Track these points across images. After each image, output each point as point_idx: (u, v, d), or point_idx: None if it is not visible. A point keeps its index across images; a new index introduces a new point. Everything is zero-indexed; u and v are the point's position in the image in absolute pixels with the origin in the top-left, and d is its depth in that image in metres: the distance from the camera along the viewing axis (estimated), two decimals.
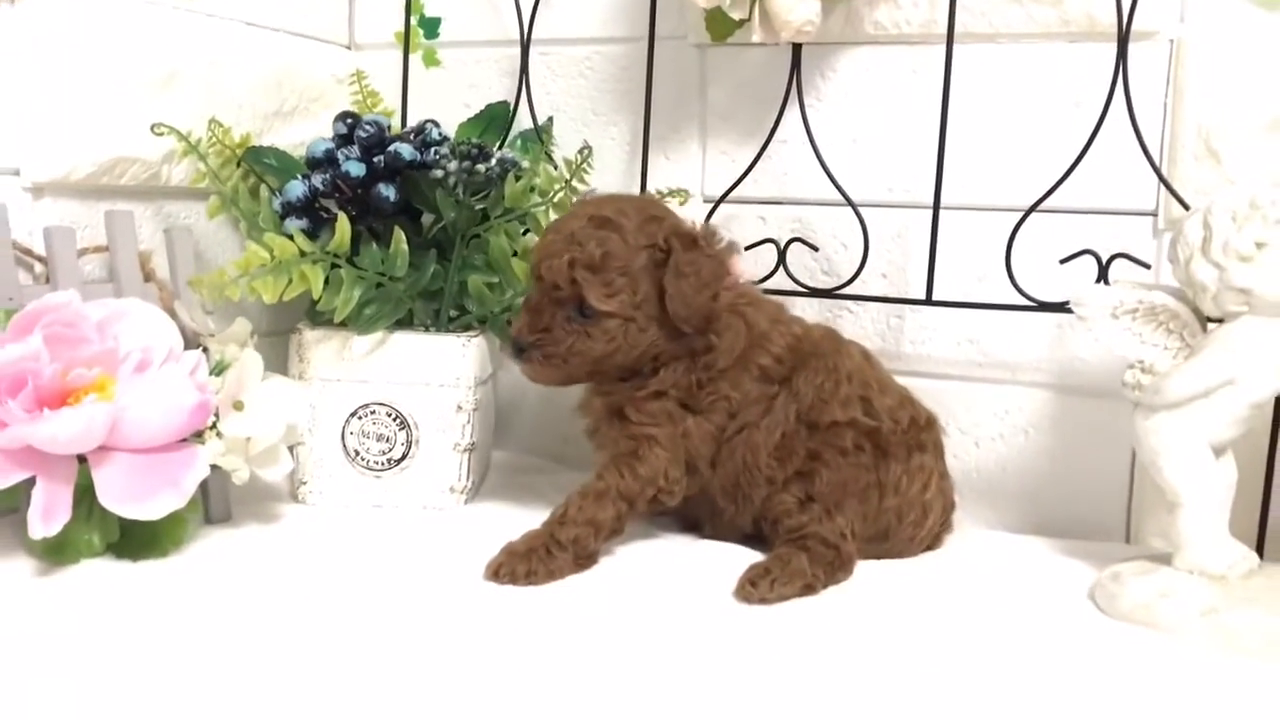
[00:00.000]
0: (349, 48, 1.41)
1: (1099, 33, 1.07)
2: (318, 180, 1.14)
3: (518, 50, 1.30)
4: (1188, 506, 0.92)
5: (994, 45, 1.12)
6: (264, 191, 1.16)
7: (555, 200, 1.15)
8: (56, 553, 0.95)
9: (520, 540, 0.99)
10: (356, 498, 1.15)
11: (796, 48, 1.14)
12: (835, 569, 0.97)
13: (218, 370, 1.03)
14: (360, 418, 1.14)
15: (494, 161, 1.12)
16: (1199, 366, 0.90)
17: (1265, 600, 0.89)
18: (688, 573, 0.99)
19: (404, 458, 1.15)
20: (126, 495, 0.93)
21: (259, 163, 1.18)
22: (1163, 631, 0.88)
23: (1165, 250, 1.05)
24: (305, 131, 1.30)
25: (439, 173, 1.10)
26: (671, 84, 1.24)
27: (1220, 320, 0.91)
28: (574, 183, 1.14)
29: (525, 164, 1.15)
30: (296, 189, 1.13)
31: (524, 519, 1.06)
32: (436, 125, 1.18)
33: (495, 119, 1.24)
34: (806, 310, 1.19)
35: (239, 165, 1.17)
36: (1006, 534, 1.13)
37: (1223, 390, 0.90)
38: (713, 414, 1.03)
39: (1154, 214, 1.09)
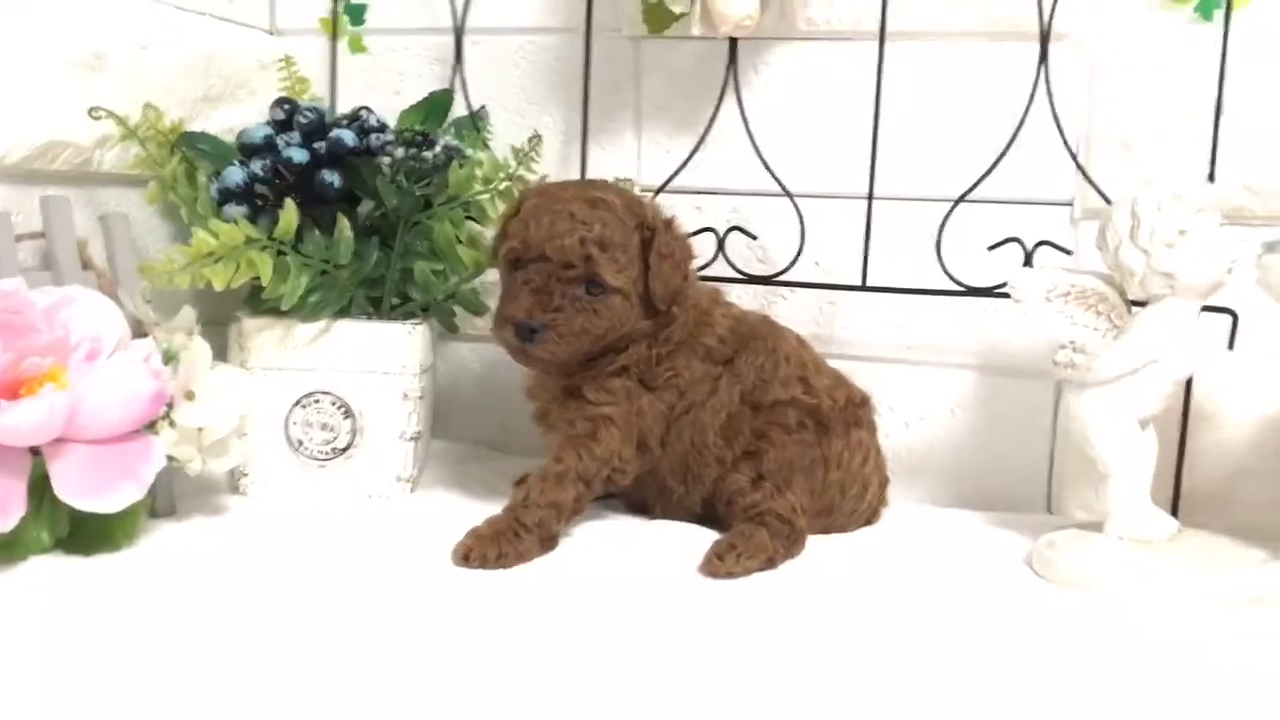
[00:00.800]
0: (270, 33, 1.38)
1: (1020, 33, 1.14)
2: (257, 166, 1.12)
3: (446, 38, 1.30)
4: (1117, 477, 0.99)
5: (921, 43, 1.18)
6: (201, 177, 1.14)
7: (500, 188, 1.16)
8: (6, 549, 0.91)
9: (485, 525, 1.00)
10: (300, 488, 1.14)
11: (733, 41, 1.17)
12: (792, 543, 1.02)
13: (167, 359, 1.01)
14: (304, 407, 1.13)
15: (439, 148, 1.12)
16: (1128, 346, 0.97)
17: (1188, 561, 0.96)
18: (648, 551, 1.02)
19: (349, 447, 1.14)
20: (84, 488, 0.90)
21: (193, 148, 1.16)
22: (1099, 593, 0.95)
23: (1082, 238, 1.13)
24: (232, 117, 1.27)
25: (386, 159, 1.09)
26: (606, 75, 1.26)
27: (1144, 303, 0.98)
28: (521, 171, 1.15)
29: (469, 152, 1.16)
30: (235, 175, 1.11)
31: (473, 507, 1.09)
32: (371, 112, 1.18)
33: (437, 107, 1.24)
34: (742, 297, 1.24)
35: (173, 151, 1.15)
36: (936, 508, 1.19)
37: (1148, 368, 0.97)
38: (665, 392, 1.06)
39: (1070, 204, 1.16)
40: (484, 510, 1.03)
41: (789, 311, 1.24)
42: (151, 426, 0.97)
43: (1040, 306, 1.01)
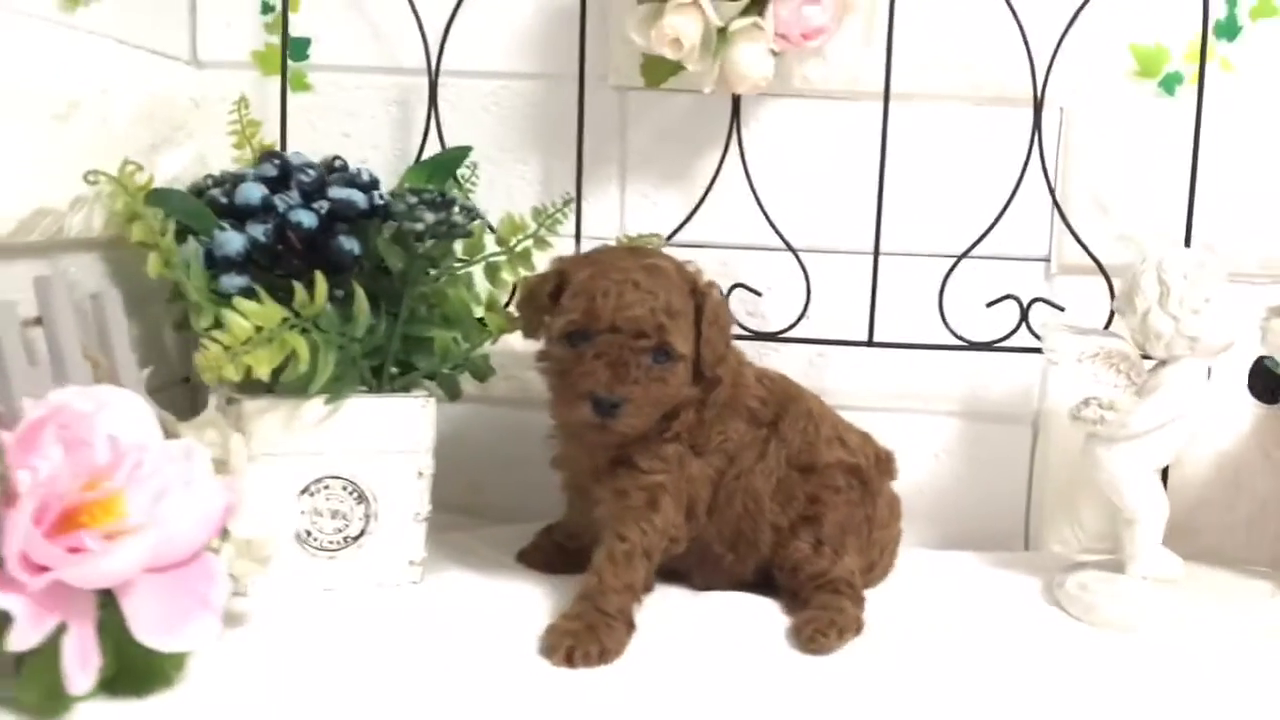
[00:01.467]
0: (191, 64, 1.23)
1: (1006, 99, 1.20)
2: (256, 231, 1.00)
3: (404, 78, 1.22)
4: (1143, 523, 1.07)
5: (909, 104, 1.21)
6: (191, 243, 1.00)
7: (518, 250, 1.10)
8: (51, 701, 0.77)
9: (569, 619, 0.95)
10: (305, 582, 1.03)
11: (736, 98, 1.17)
12: (861, 608, 1.03)
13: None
14: (312, 494, 1.03)
15: (457, 210, 1.04)
16: (1158, 404, 1.05)
17: (1209, 595, 1.06)
18: (723, 626, 1.01)
19: (361, 534, 1.05)
20: (161, 625, 0.78)
21: (166, 207, 1.02)
22: (1142, 635, 1.02)
23: (1058, 292, 1.21)
24: (174, 165, 1.13)
25: (418, 226, 1.00)
26: (588, 125, 1.21)
27: (1160, 360, 1.07)
28: (542, 233, 1.10)
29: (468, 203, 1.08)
30: (234, 242, 0.99)
31: (492, 588, 1.07)
32: (344, 161, 1.08)
33: (445, 165, 1.14)
34: None
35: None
36: (926, 550, 1.24)
37: (1174, 423, 1.06)
38: (714, 456, 1.05)
39: (1047, 259, 1.24)
40: (506, 590, 1.02)
41: (780, 362, 1.24)
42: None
43: (1073, 367, 1.08)
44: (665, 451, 1.02)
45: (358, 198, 1.02)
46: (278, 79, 1.20)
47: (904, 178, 1.22)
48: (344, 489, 1.04)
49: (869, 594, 1.08)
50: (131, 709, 0.80)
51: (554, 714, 0.83)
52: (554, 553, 1.14)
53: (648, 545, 1.00)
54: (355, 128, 1.25)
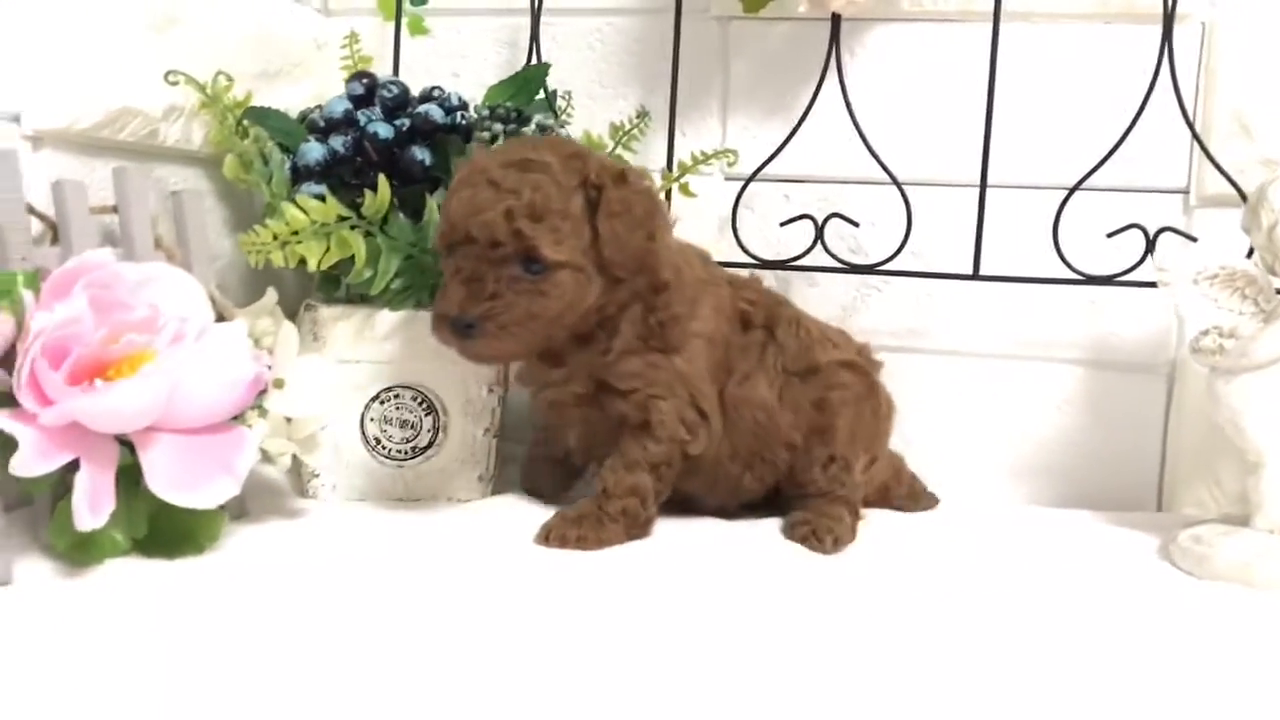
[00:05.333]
0: (321, 12, 1.30)
1: (1135, 14, 1.10)
2: (337, 143, 1.04)
3: (513, 19, 1.24)
4: (1270, 467, 0.94)
5: (1030, 25, 1.13)
6: (276, 154, 1.05)
7: None
8: (82, 551, 0.82)
9: (572, 508, 0.96)
10: (375, 490, 1.05)
11: (836, 20, 1.12)
12: (859, 517, 1.02)
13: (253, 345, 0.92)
14: (382, 402, 1.05)
15: (533, 126, 1.05)
16: None
17: None
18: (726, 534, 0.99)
19: (430, 445, 1.06)
20: (177, 481, 0.81)
21: (262, 123, 1.07)
22: (1258, 589, 0.90)
23: (1197, 226, 1.10)
24: (288, 97, 1.19)
25: (484, 135, 1.02)
26: (691, 57, 1.20)
27: None
28: (620, 150, 1.09)
29: (559, 129, 1.09)
30: (315, 151, 1.03)
31: (553, 510, 1.01)
32: (444, 90, 1.11)
33: (529, 82, 1.15)
34: (834, 290, 1.19)
35: (238, 126, 1.06)
36: (1039, 507, 1.14)
37: None
38: (693, 351, 0.97)
39: (1185, 191, 1.12)
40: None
41: (884, 304, 1.19)
42: (239, 418, 0.88)
43: (1187, 289, 0.96)
44: (630, 367, 0.96)
45: (435, 112, 1.05)
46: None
47: (1024, 104, 1.14)
48: (414, 399, 1.05)
49: (942, 537, 1.03)
50: (161, 568, 0.83)
51: (529, 607, 0.81)
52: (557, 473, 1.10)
53: (652, 458, 0.97)
54: (465, 68, 1.28)
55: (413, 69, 1.26)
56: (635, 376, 0.96)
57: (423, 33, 1.28)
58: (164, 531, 0.85)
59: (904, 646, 0.75)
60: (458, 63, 1.29)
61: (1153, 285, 1.02)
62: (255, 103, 1.12)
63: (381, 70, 1.23)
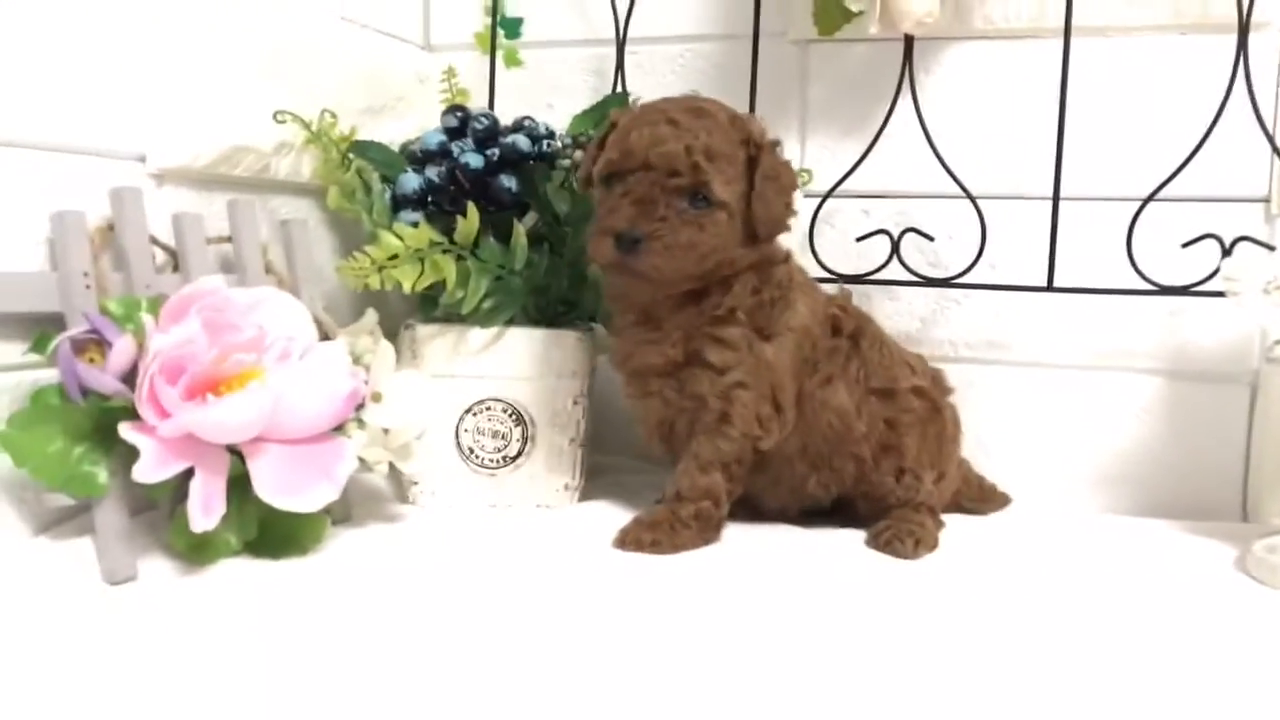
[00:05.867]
0: (424, 48, 1.39)
1: (1211, 24, 1.10)
2: (432, 173, 1.11)
3: (602, 49, 1.30)
4: None
5: (1104, 39, 1.15)
6: (377, 184, 1.13)
7: None
8: (199, 551, 0.90)
9: (647, 514, 1.01)
10: (469, 497, 1.12)
11: (909, 40, 1.15)
12: (939, 526, 1.05)
13: (354, 361, 1.00)
14: (475, 414, 1.11)
15: None
16: None
17: None
18: (803, 542, 1.02)
19: (519, 454, 1.12)
20: (283, 487, 0.89)
21: (364, 156, 1.15)
22: None
23: (1279, 234, 1.09)
24: (392, 130, 1.27)
25: (565, 163, 1.08)
26: (770, 80, 1.24)
27: None
28: None
29: None
30: (411, 181, 1.11)
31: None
32: (535, 121, 1.17)
33: (606, 110, 1.22)
34: (914, 302, 1.21)
35: (344, 159, 1.15)
36: (1124, 517, 1.15)
37: None
38: (785, 341, 1.01)
39: (1266, 199, 1.12)
40: None
41: (963, 317, 1.21)
42: (340, 429, 0.96)
43: (1257, 299, 0.97)
44: (730, 335, 1.00)
45: (522, 142, 1.11)
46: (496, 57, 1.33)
47: (1100, 116, 1.15)
48: (504, 411, 1.11)
49: (1020, 544, 1.04)
50: (268, 567, 0.91)
51: (609, 614, 0.86)
52: None
53: (725, 455, 1.01)
54: (558, 99, 1.35)
55: (510, 99, 1.33)
56: (729, 349, 1.00)
57: (517, 64, 1.35)
58: (272, 534, 0.94)
59: (970, 651, 0.77)
60: (551, 93, 1.36)
61: (1224, 295, 1.03)
62: (360, 136, 1.21)
63: (481, 102, 1.31)
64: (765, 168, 0.97)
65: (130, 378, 0.85)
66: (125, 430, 0.83)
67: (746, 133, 0.98)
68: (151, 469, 0.83)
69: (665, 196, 0.94)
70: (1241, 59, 1.05)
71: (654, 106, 0.98)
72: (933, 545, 1.01)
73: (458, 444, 1.12)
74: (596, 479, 1.23)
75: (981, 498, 1.16)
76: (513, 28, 1.35)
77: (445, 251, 1.05)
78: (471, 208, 1.06)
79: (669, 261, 0.94)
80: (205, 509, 0.85)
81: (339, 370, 0.94)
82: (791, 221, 1.02)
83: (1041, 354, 1.19)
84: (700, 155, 0.94)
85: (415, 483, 1.12)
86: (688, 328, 1.01)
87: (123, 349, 0.85)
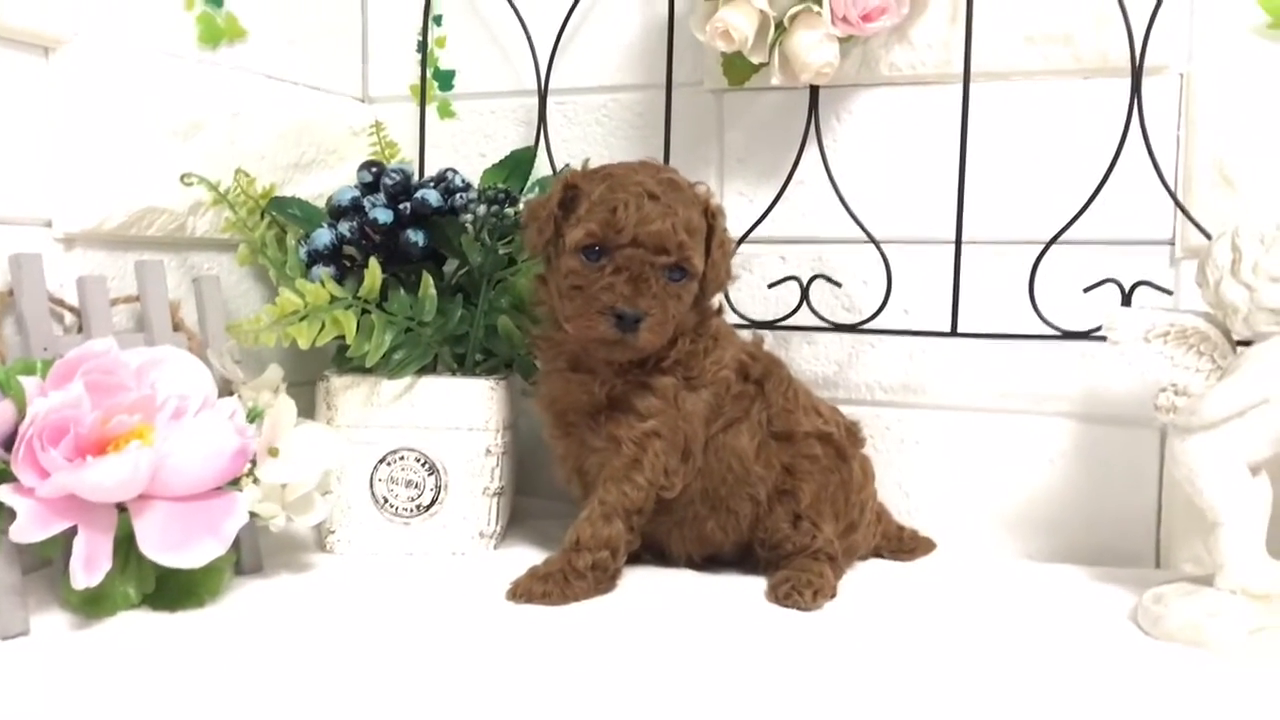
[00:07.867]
0: (363, 100, 1.42)
1: (1111, 69, 1.10)
2: (344, 228, 1.14)
3: (532, 100, 1.32)
4: (1227, 526, 0.93)
5: (1007, 84, 1.15)
6: (290, 240, 1.16)
7: None
8: (93, 605, 0.93)
9: (542, 565, 1.03)
10: (385, 545, 1.14)
11: (814, 90, 1.16)
12: (839, 574, 1.05)
13: (252, 417, 1.03)
14: (389, 464, 1.14)
15: (521, 205, 1.13)
16: (1233, 387, 0.91)
17: None
18: (701, 591, 1.03)
19: (433, 503, 1.14)
20: (167, 544, 0.92)
21: (283, 212, 1.19)
22: (1210, 651, 0.89)
23: (1184, 278, 1.08)
24: (323, 183, 1.30)
25: (468, 217, 1.11)
26: (688, 128, 1.26)
27: (1249, 342, 0.93)
28: None
29: None
30: (323, 237, 1.14)
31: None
32: (456, 173, 1.19)
33: (519, 164, 1.25)
34: (829, 347, 1.22)
35: (263, 215, 1.18)
36: (1033, 562, 1.14)
37: (1257, 409, 0.91)
38: (707, 392, 1.04)
39: (1171, 243, 1.11)
40: None
41: (878, 360, 1.21)
42: (235, 483, 0.99)
43: (1138, 347, 0.96)
44: (662, 384, 1.02)
45: (431, 197, 1.14)
46: (430, 108, 1.36)
47: (1004, 161, 1.15)
48: (417, 460, 1.14)
49: (910, 589, 1.05)
50: (165, 620, 0.94)
51: (501, 654, 0.87)
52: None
53: (629, 503, 1.02)
54: (490, 148, 1.37)
55: (443, 150, 1.37)
56: (656, 397, 1.02)
57: (450, 116, 1.38)
58: (169, 586, 0.96)
59: (853, 701, 0.78)
60: (484, 143, 1.38)
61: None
62: (290, 190, 1.24)
63: (413, 153, 1.34)
64: (719, 236, 1.03)
65: (10, 442, 0.89)
66: (3, 492, 0.86)
67: (704, 203, 1.03)
68: (29, 529, 0.85)
69: (654, 273, 0.98)
70: (1136, 102, 1.05)
71: (629, 179, 1.00)
72: (830, 593, 1.01)
73: (372, 493, 1.14)
74: (520, 524, 1.25)
75: (902, 548, 1.16)
76: (445, 80, 1.38)
77: (348, 307, 1.08)
78: (374, 262, 1.09)
79: (659, 335, 0.99)
80: (87, 566, 0.88)
81: (226, 428, 0.96)
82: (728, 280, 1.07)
83: (955, 397, 1.19)
84: (683, 233, 0.98)
85: (332, 531, 1.15)
86: (622, 373, 1.03)
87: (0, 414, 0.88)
